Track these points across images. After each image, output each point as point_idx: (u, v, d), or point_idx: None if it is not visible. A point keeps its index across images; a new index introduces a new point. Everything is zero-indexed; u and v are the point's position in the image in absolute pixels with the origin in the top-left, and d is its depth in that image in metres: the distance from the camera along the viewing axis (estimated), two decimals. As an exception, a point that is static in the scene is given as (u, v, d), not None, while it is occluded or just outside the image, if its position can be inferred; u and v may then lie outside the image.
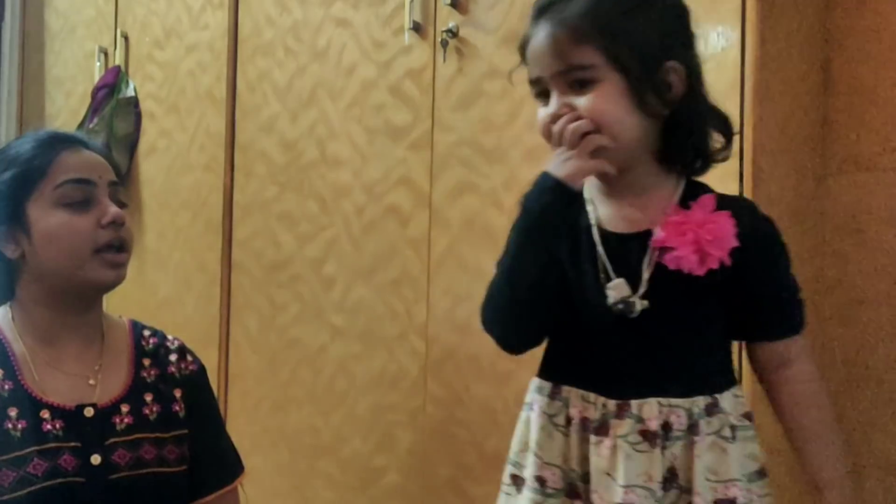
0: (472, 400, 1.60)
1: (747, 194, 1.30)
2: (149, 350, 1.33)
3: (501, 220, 1.55)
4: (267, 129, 2.00)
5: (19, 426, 1.18)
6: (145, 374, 1.30)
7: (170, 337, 1.37)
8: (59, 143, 1.27)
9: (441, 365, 1.65)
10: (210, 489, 1.33)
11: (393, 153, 1.75)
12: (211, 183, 2.13)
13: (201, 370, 1.38)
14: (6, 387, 1.20)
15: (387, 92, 1.77)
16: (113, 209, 1.25)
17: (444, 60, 1.67)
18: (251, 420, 2.00)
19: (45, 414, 1.19)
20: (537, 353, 1.12)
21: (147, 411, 1.27)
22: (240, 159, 2.07)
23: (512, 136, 1.57)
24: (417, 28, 1.71)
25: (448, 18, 1.66)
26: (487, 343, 1.11)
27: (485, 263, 1.58)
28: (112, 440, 1.22)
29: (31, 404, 1.19)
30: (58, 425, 1.19)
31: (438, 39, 1.68)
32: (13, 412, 1.18)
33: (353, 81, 1.83)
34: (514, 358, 1.56)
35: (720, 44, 1.33)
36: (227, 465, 1.37)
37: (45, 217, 1.23)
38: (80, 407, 1.22)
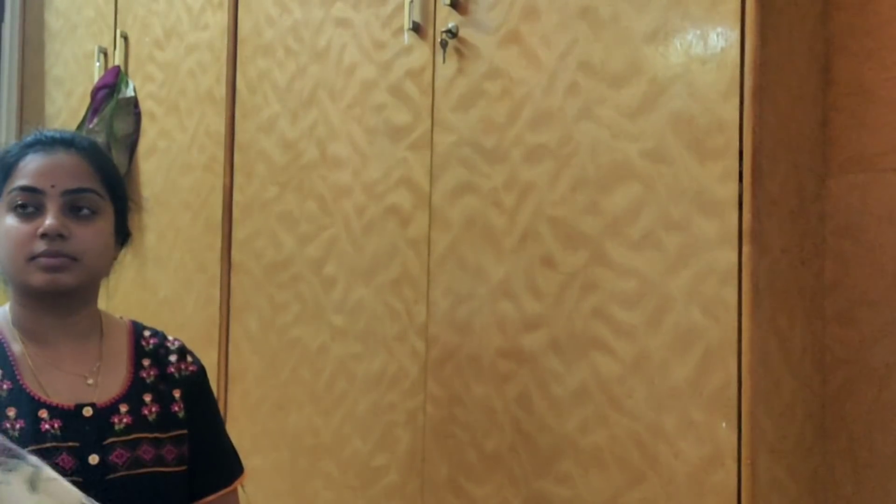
0: (472, 400, 1.60)
1: (747, 194, 1.30)
2: (149, 350, 1.33)
3: (501, 221, 1.55)
4: (267, 130, 2.00)
5: (17, 426, 1.17)
6: (145, 375, 1.30)
7: (170, 337, 1.37)
8: (33, 144, 1.26)
9: (441, 365, 1.65)
10: (210, 490, 1.33)
11: (393, 153, 1.75)
12: (211, 183, 2.13)
13: (201, 371, 1.38)
14: (4, 387, 1.20)
15: (387, 92, 1.77)
16: (49, 221, 1.20)
17: (444, 61, 1.67)
18: (251, 420, 2.00)
19: (44, 413, 1.19)
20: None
21: (146, 411, 1.27)
22: (240, 159, 2.07)
23: (512, 136, 1.57)
24: (417, 28, 1.71)
25: (448, 19, 1.66)
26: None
27: (485, 263, 1.58)
28: (110, 440, 1.22)
29: (30, 404, 1.19)
30: (56, 425, 1.19)
31: (438, 40, 1.67)
32: (11, 412, 1.18)
33: (353, 82, 1.83)
34: (515, 358, 1.57)
35: (720, 44, 1.33)
36: (227, 466, 1.37)
37: (1, 221, 1.24)
38: (79, 406, 1.22)
